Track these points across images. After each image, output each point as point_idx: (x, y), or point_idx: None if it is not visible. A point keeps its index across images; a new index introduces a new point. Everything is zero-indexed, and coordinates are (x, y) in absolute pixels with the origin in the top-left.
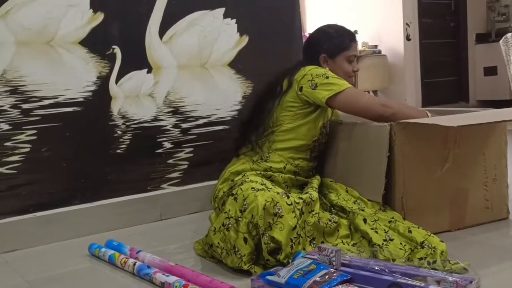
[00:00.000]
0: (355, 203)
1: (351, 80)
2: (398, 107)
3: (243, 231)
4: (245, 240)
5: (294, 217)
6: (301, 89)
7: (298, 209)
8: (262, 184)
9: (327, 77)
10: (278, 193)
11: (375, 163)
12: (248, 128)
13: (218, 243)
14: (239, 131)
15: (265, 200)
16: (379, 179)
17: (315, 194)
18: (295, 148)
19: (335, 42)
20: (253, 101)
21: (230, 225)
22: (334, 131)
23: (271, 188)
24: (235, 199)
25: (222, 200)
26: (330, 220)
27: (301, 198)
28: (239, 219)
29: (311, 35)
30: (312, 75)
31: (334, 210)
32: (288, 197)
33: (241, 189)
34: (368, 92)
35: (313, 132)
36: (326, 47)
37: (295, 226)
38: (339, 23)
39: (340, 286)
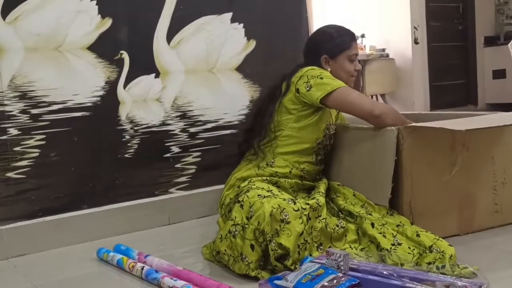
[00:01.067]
0: (362, 207)
1: (353, 79)
2: (386, 109)
3: (250, 238)
4: (252, 247)
5: (301, 223)
6: (298, 90)
7: (305, 215)
8: (268, 191)
9: (321, 78)
10: (284, 199)
11: (382, 167)
12: (252, 133)
13: (225, 250)
14: (243, 137)
15: (272, 206)
16: (386, 184)
17: (322, 199)
18: (300, 152)
19: (335, 42)
20: (256, 106)
21: (236, 232)
22: (341, 135)
23: (277, 195)
24: (242, 206)
25: (229, 207)
26: (337, 225)
27: (308, 204)
28: (246, 226)
29: (311, 36)
30: (307, 77)
31: (341, 215)
32: (295, 203)
33: (247, 196)
34: (376, 96)
35: (317, 135)
36: (327, 48)
37: (302, 232)
38: (347, 27)
39: None
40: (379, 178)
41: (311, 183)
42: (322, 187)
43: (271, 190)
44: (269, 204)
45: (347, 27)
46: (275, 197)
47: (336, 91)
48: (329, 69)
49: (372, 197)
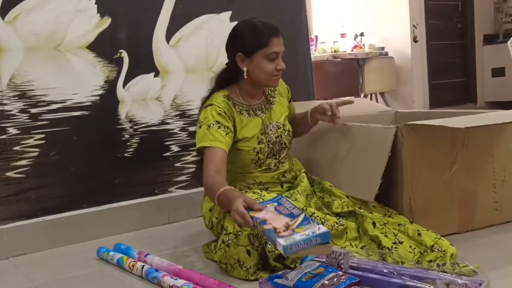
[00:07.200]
0: (360, 208)
1: (276, 79)
2: (206, 182)
3: (245, 243)
4: (249, 252)
5: None
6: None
7: None
8: (254, 193)
9: (200, 127)
10: None
11: (374, 163)
12: None
13: (220, 260)
14: None
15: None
16: (375, 179)
17: (301, 198)
18: (241, 173)
19: (251, 38)
20: None
21: (230, 241)
22: (339, 133)
23: (264, 196)
24: None
25: (220, 225)
26: (336, 223)
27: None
28: (239, 233)
29: (232, 29)
30: (199, 117)
31: (340, 218)
32: None
33: None
34: (376, 94)
35: (247, 155)
36: (242, 44)
37: None
38: (346, 25)
39: None
40: (370, 173)
41: (289, 182)
42: (300, 186)
43: (256, 192)
44: None
45: (346, 26)
46: (262, 199)
47: (199, 148)
48: (245, 69)
49: (359, 192)
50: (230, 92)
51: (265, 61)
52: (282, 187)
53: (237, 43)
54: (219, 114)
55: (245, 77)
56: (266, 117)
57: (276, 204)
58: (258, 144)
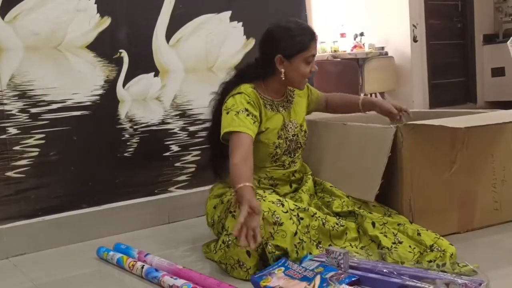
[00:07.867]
0: (360, 208)
1: (307, 81)
2: (233, 165)
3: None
4: (248, 253)
5: (293, 223)
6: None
7: (294, 215)
8: (256, 194)
9: (227, 113)
10: (273, 202)
11: (374, 163)
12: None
13: (220, 261)
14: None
15: (263, 210)
16: (375, 179)
17: (305, 197)
18: (257, 164)
19: (293, 42)
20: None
21: (229, 242)
22: (338, 132)
23: (265, 197)
24: (233, 216)
25: (221, 224)
26: (337, 224)
27: (296, 205)
28: None
29: (270, 30)
30: (226, 104)
31: (339, 217)
32: (283, 205)
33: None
34: (375, 94)
35: (266, 148)
36: (283, 47)
37: (296, 232)
38: (346, 25)
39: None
40: (370, 173)
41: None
42: (305, 186)
43: (258, 193)
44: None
45: (347, 25)
46: (264, 200)
47: (225, 133)
48: (282, 70)
49: (359, 192)
50: (256, 86)
51: (304, 64)
52: (290, 186)
53: (277, 46)
54: (248, 102)
55: (282, 78)
56: (286, 115)
57: (283, 268)
58: (278, 138)
